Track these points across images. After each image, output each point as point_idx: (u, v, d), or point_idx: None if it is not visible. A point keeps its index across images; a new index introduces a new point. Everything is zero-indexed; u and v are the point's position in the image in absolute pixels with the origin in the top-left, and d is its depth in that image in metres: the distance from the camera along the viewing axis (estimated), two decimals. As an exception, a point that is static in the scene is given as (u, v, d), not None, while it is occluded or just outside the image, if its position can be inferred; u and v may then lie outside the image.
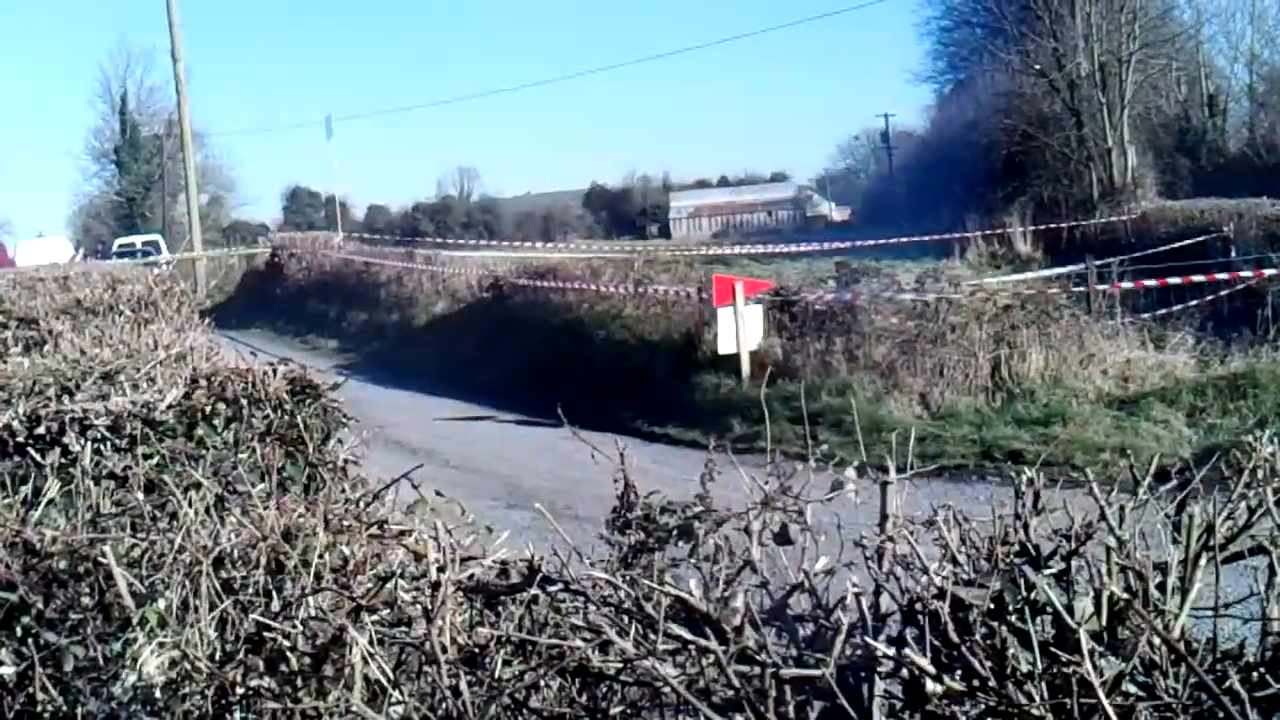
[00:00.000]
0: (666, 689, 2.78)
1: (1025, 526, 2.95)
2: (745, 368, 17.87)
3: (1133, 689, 2.50)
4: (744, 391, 17.21)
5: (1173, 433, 13.99)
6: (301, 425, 7.73)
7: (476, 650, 3.54)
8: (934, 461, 13.91)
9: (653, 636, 2.94)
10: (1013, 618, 2.65)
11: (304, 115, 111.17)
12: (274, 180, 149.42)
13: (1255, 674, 2.62)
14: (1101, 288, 18.96)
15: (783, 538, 3.68)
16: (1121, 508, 3.00)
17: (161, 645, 3.84)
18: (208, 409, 7.72)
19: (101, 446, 6.65)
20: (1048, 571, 2.84)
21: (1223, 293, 19.17)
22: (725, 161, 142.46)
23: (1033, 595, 2.70)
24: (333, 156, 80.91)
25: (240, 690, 3.65)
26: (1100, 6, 45.55)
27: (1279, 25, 55.79)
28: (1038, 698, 2.45)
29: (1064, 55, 45.60)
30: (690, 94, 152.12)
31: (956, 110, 58.73)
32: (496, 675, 3.34)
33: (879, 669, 2.64)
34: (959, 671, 2.56)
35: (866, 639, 2.65)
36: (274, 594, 4.16)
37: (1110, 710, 2.31)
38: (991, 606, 2.70)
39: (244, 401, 7.87)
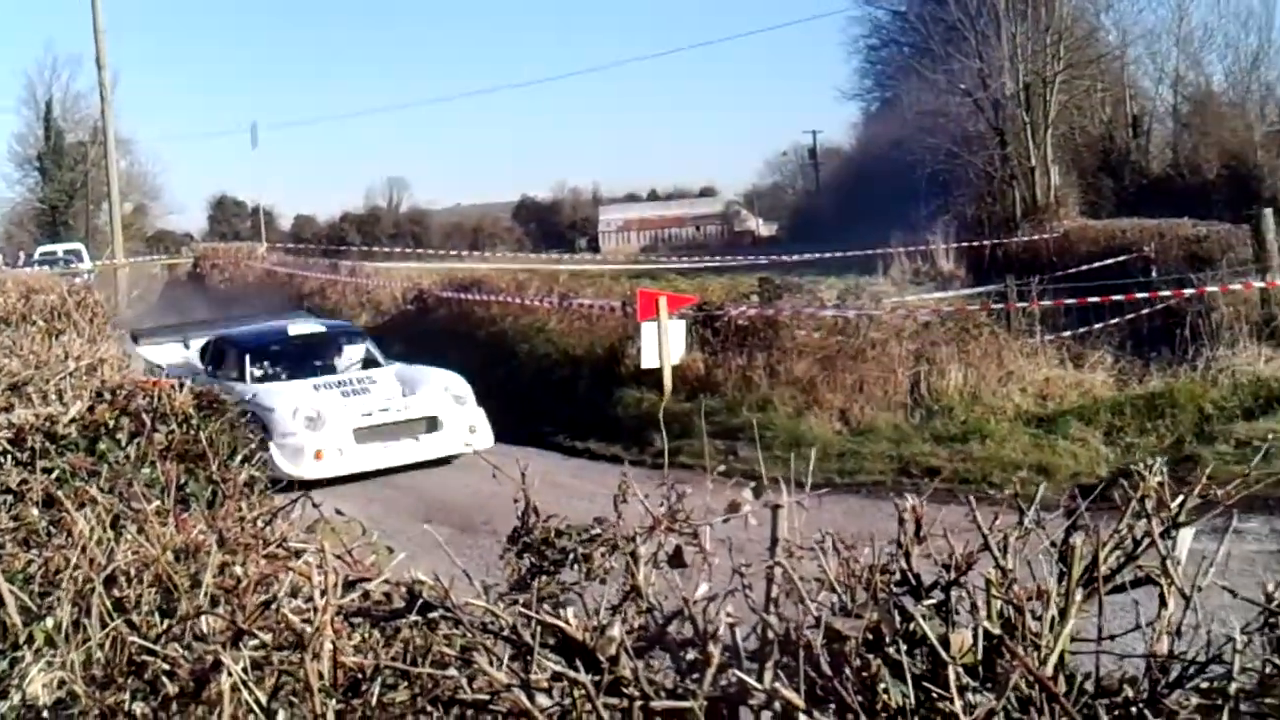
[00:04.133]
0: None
1: (907, 555, 2.90)
2: (667, 383, 17.83)
3: (1006, 725, 2.47)
4: (666, 406, 17.16)
5: (1090, 451, 14.05)
6: (206, 441, 7.62)
7: (360, 676, 3.47)
8: (852, 477, 14.03)
9: (530, 665, 2.88)
10: (891, 650, 2.60)
11: (232, 123, 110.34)
12: (200, 189, 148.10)
13: (1134, 709, 2.59)
14: (1021, 306, 19.08)
15: (676, 561, 3.62)
16: (1005, 536, 2.96)
17: (50, 664, 3.76)
18: (111, 423, 7.61)
19: (2, 459, 6.55)
20: (928, 602, 2.80)
21: (1143, 312, 19.30)
22: (655, 175, 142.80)
23: (911, 627, 2.65)
24: (258, 165, 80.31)
25: (122, 715, 3.56)
26: (1026, 27, 46.02)
27: (1204, 47, 56.59)
28: (907, 733, 2.41)
29: (989, 75, 45.99)
30: (621, 108, 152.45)
31: (882, 128, 59.33)
32: (373, 703, 3.26)
33: (750, 701, 2.59)
34: (833, 705, 2.51)
35: (735, 671, 2.60)
36: (165, 614, 4.08)
37: (976, 747, 2.27)
38: (870, 638, 2.65)
39: (147, 416, 7.75)
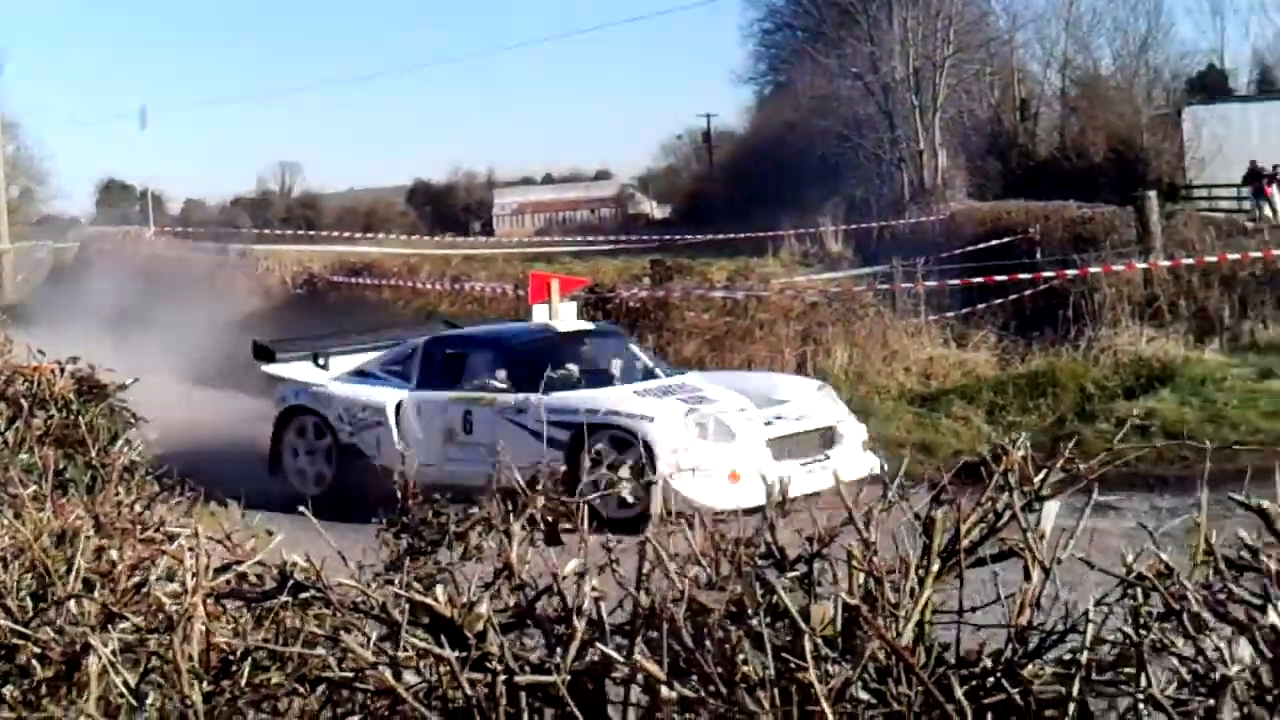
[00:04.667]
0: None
1: (771, 528, 2.95)
2: (559, 366, 17.84)
3: (865, 696, 2.51)
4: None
5: (972, 429, 14.26)
6: (85, 426, 7.57)
7: (232, 658, 3.46)
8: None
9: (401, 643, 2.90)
10: (754, 621, 2.64)
11: (122, 106, 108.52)
12: (89, 173, 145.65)
13: (991, 679, 2.65)
14: (906, 286, 19.32)
15: (552, 538, 3.67)
16: (869, 509, 3.01)
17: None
18: (-12, 408, 7.54)
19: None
20: (791, 574, 2.84)
21: (1026, 293, 19.58)
22: (550, 159, 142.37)
23: (775, 599, 2.69)
24: (147, 149, 79.04)
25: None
26: (917, 11, 46.61)
27: (1093, 31, 57.34)
28: (767, 704, 2.44)
29: (880, 59, 46.57)
30: (517, 91, 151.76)
31: (775, 111, 59.66)
32: (243, 684, 3.26)
33: (614, 675, 2.62)
34: (695, 677, 2.54)
35: (599, 644, 2.63)
36: (39, 599, 4.05)
37: (832, 716, 2.31)
38: (734, 610, 2.69)
39: (25, 401, 7.68)
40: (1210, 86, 60.75)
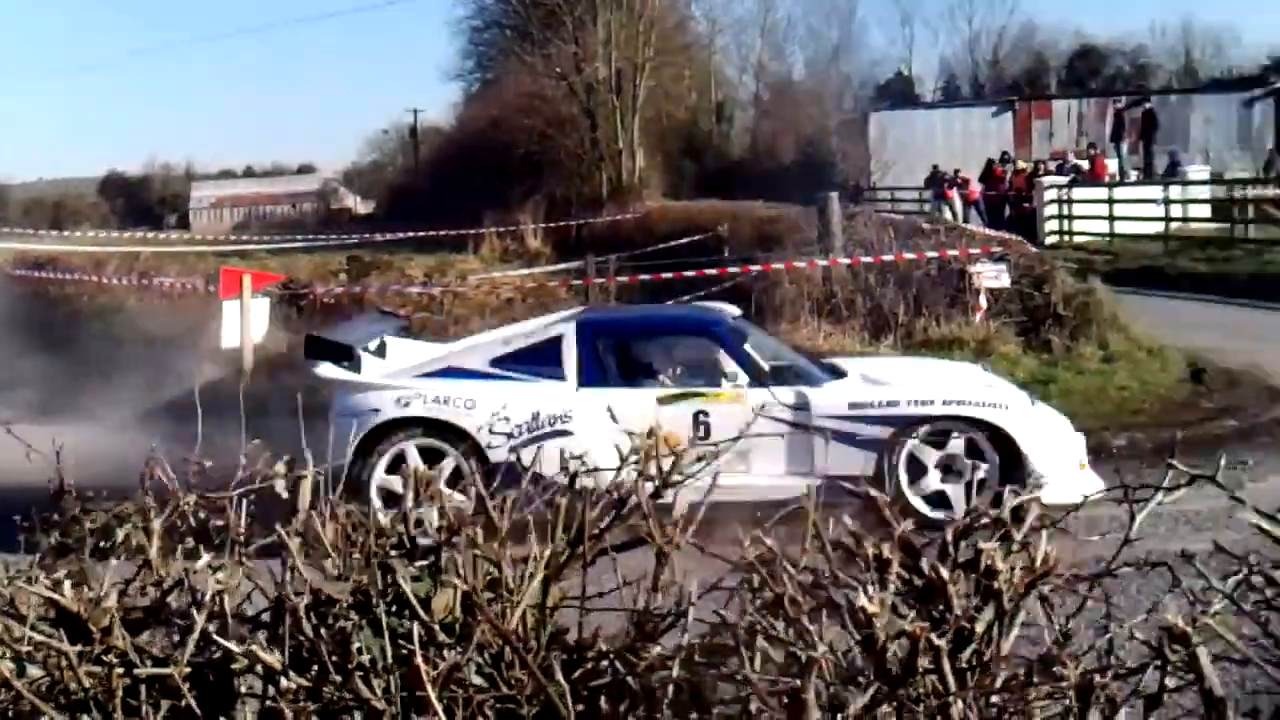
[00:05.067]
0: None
1: (405, 519, 3.01)
2: (248, 362, 17.53)
3: (479, 680, 2.59)
4: (246, 386, 16.88)
5: (651, 420, 14.46)
6: None
7: None
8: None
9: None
10: (379, 610, 2.69)
11: None
12: None
13: (605, 662, 2.75)
14: (599, 282, 19.59)
15: (203, 535, 3.67)
16: (504, 499, 3.10)
17: None
18: None
19: None
20: (421, 563, 2.90)
21: (713, 288, 19.99)
22: (252, 152, 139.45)
23: (402, 588, 2.75)
24: None
25: None
26: (620, 15, 47.27)
27: (787, 38, 59.17)
28: (379, 690, 2.50)
29: (584, 60, 47.06)
30: (220, 82, 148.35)
31: (482, 108, 59.81)
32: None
33: (235, 666, 2.66)
34: (316, 667, 2.59)
35: (216, 637, 2.65)
36: None
37: (436, 700, 2.38)
38: (362, 600, 2.74)
39: None
40: (898, 93, 63.36)
